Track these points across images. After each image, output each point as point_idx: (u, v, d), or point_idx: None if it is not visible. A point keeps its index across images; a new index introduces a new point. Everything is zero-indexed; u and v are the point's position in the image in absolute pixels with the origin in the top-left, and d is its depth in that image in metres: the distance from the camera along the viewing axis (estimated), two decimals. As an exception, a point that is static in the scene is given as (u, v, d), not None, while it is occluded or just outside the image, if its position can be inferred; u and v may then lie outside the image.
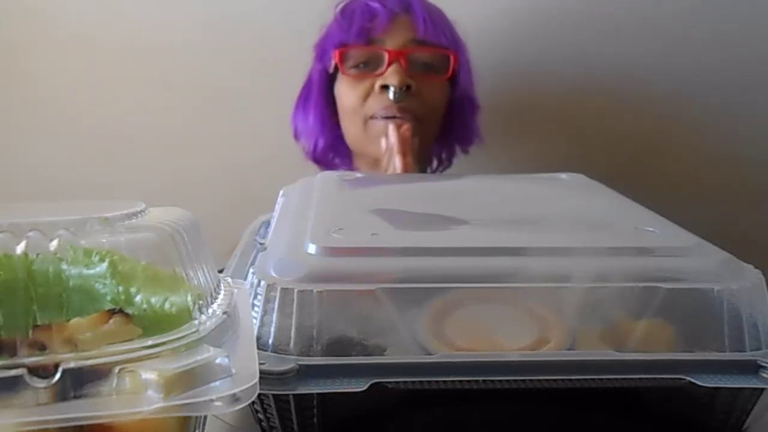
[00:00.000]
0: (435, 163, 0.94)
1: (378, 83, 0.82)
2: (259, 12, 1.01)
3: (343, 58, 0.84)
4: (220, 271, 0.41)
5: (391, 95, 0.81)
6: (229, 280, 0.37)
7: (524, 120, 1.06)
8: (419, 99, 0.83)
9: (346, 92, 0.85)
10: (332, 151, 0.92)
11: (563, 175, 0.64)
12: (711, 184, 1.07)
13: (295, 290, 0.37)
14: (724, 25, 1.02)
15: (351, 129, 0.87)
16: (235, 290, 0.35)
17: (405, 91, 0.81)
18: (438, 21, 0.85)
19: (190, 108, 1.03)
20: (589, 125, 1.06)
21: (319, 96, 0.89)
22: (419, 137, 0.84)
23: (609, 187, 0.60)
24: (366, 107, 0.84)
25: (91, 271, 0.29)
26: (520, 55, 1.04)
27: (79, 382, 0.25)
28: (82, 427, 0.24)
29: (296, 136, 0.93)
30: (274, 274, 0.39)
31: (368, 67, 0.84)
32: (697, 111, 1.05)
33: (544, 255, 0.41)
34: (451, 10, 0.88)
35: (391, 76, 0.81)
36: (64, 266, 0.29)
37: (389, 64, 0.82)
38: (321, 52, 0.87)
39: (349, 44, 0.84)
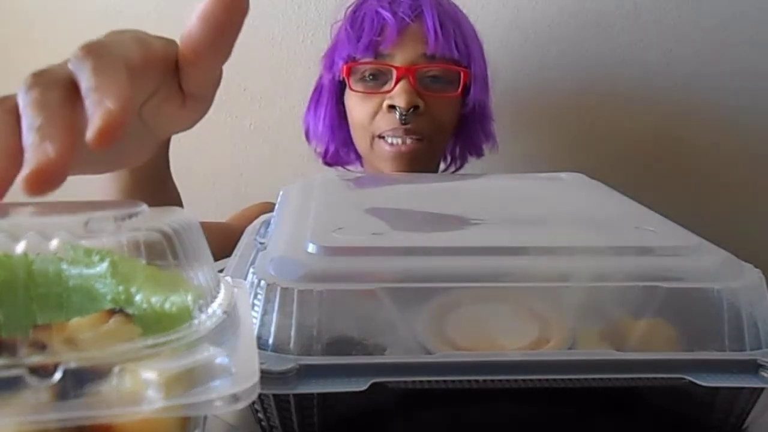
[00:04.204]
0: (443, 167, 0.94)
1: (386, 103, 0.81)
2: (259, 11, 1.01)
3: (350, 72, 0.83)
4: (220, 271, 0.41)
5: (397, 116, 0.79)
6: (229, 280, 0.37)
7: (524, 120, 1.06)
8: (428, 117, 0.81)
9: (355, 107, 0.84)
10: (343, 154, 0.92)
11: (563, 175, 0.64)
12: (711, 184, 1.07)
13: (296, 290, 0.37)
14: (725, 25, 1.02)
15: (360, 143, 0.86)
16: (235, 290, 0.35)
17: (412, 112, 0.79)
18: (451, 30, 0.82)
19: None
20: (590, 125, 1.06)
21: (330, 103, 0.88)
22: (427, 156, 0.84)
23: (609, 187, 0.60)
24: (374, 126, 0.82)
25: (91, 271, 0.29)
26: (521, 54, 1.04)
27: (79, 382, 0.25)
28: (82, 426, 0.24)
29: (307, 138, 0.93)
30: (274, 274, 0.39)
31: (376, 81, 0.82)
32: (697, 111, 1.05)
33: (545, 254, 0.41)
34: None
35: (398, 97, 0.79)
36: (64, 266, 0.29)
37: (397, 82, 0.80)
38: (330, 62, 0.86)
39: (357, 58, 0.82)
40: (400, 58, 0.81)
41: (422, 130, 0.81)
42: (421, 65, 0.81)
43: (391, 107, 0.80)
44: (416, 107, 0.80)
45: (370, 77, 0.82)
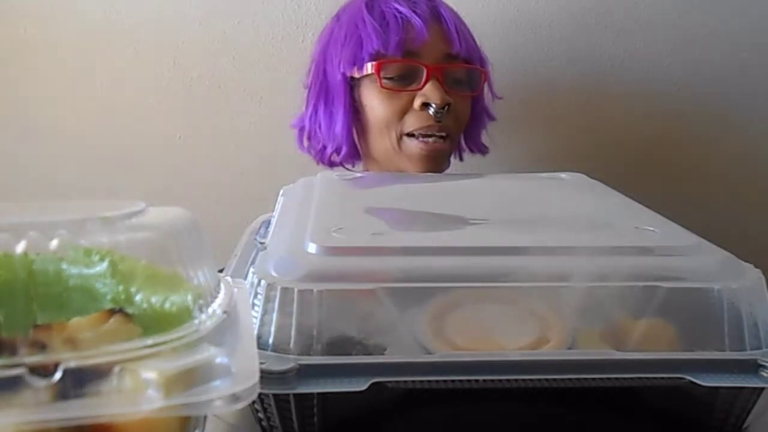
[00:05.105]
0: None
1: (418, 101, 0.80)
2: (259, 11, 1.01)
3: (380, 69, 0.81)
4: (220, 271, 0.41)
5: (432, 113, 0.79)
6: (229, 279, 0.37)
7: (524, 120, 1.06)
8: (453, 116, 0.82)
9: (380, 105, 0.83)
10: (352, 153, 0.91)
11: (563, 175, 0.64)
12: (711, 184, 1.07)
13: (295, 290, 0.37)
14: (726, 24, 1.02)
15: (381, 142, 0.84)
16: (235, 290, 0.35)
17: (446, 109, 0.80)
18: (467, 33, 0.84)
19: (190, 108, 1.03)
20: (590, 125, 1.06)
21: (346, 102, 0.85)
22: (448, 153, 0.84)
23: (609, 187, 0.60)
24: (403, 124, 0.82)
25: (91, 271, 0.29)
26: (520, 54, 1.04)
27: (79, 382, 0.25)
28: (82, 426, 0.24)
29: (309, 137, 0.91)
30: (274, 274, 0.39)
31: (404, 80, 0.81)
32: (697, 111, 1.05)
33: (545, 254, 0.41)
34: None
35: (432, 94, 0.79)
36: (64, 266, 0.29)
37: (427, 80, 0.80)
38: (352, 58, 0.83)
39: (387, 56, 0.81)
40: (427, 57, 0.81)
41: (449, 128, 0.82)
42: (448, 64, 0.82)
43: (425, 105, 0.80)
44: (449, 105, 0.81)
45: (398, 77, 0.82)
